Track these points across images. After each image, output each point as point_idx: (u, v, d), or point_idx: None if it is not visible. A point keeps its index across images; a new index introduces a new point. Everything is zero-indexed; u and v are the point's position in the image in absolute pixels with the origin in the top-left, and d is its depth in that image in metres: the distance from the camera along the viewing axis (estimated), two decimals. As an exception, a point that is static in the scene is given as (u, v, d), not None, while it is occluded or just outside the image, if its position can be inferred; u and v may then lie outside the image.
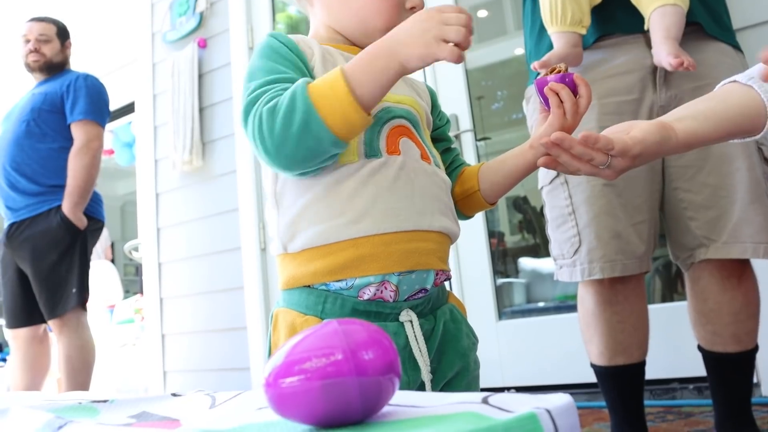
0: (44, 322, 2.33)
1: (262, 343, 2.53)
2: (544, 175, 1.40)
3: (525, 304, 2.86)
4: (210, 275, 2.74)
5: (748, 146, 1.24)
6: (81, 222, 2.29)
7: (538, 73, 0.92)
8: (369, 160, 0.75)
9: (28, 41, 2.48)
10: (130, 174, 4.65)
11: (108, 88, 2.54)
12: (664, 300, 2.60)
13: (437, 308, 0.80)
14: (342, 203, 0.73)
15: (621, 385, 1.35)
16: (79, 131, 2.36)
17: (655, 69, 1.30)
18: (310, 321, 0.74)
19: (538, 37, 1.42)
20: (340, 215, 0.73)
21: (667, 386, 1.92)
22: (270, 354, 0.80)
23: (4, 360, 4.46)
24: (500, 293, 2.52)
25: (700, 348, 1.34)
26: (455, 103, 2.31)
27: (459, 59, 0.66)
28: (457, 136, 2.28)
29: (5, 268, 2.38)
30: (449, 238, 0.81)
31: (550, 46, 1.33)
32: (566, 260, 1.34)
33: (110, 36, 4.10)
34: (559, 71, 0.80)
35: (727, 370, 1.29)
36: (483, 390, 0.55)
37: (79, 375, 2.25)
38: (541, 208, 1.46)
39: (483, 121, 2.84)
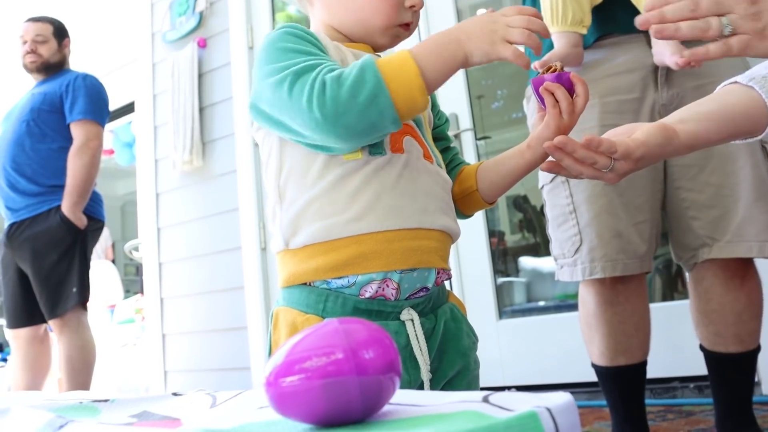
0: (45, 322, 2.33)
1: (263, 342, 2.53)
2: (544, 173, 1.40)
3: (525, 303, 2.86)
4: (210, 275, 2.74)
5: (752, 145, 1.24)
6: (80, 221, 2.29)
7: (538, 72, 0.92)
8: (373, 157, 0.75)
9: (25, 42, 2.48)
10: (130, 174, 4.65)
11: (108, 88, 2.54)
12: (664, 299, 2.60)
13: (438, 307, 0.80)
14: (346, 200, 0.73)
15: (622, 385, 1.35)
16: (78, 131, 2.36)
17: (656, 68, 1.30)
18: (312, 320, 0.74)
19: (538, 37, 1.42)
20: (343, 211, 0.73)
21: (668, 385, 1.92)
22: (270, 353, 0.80)
23: (5, 360, 4.46)
24: (500, 292, 2.52)
25: (702, 348, 1.34)
26: (455, 102, 2.31)
27: (522, 61, 0.69)
28: (457, 136, 2.28)
29: (6, 268, 2.38)
30: (450, 237, 0.81)
31: (551, 46, 1.33)
32: (567, 259, 1.34)
33: (110, 36, 4.10)
34: (555, 70, 0.79)
35: (729, 370, 1.29)
36: (483, 389, 0.55)
37: (80, 375, 2.25)
38: (542, 207, 1.45)
39: (483, 120, 2.84)
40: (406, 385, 0.74)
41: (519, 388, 2.12)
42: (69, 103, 2.37)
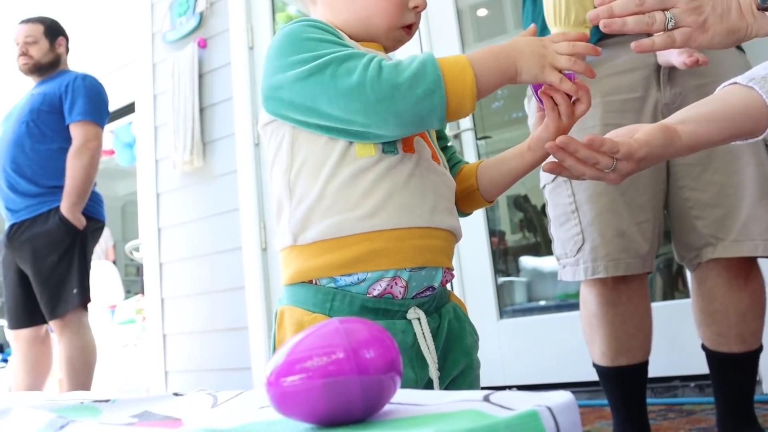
0: (46, 322, 2.33)
1: (264, 342, 2.53)
2: (546, 173, 1.40)
3: (526, 302, 2.86)
4: (211, 275, 2.74)
5: (755, 143, 1.24)
6: (79, 222, 2.29)
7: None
8: (386, 155, 0.75)
9: (17, 44, 2.46)
10: (130, 174, 4.65)
11: (108, 89, 2.53)
12: (665, 298, 2.60)
13: (441, 307, 0.81)
14: (358, 196, 0.74)
15: (623, 385, 1.34)
16: (77, 131, 2.35)
17: (658, 67, 1.29)
18: (319, 319, 0.73)
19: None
20: (355, 208, 0.73)
21: (669, 384, 1.92)
22: (274, 352, 0.80)
23: (6, 361, 4.47)
24: (501, 292, 2.51)
25: (704, 347, 1.33)
26: (455, 102, 2.31)
27: (569, 88, 0.73)
28: (457, 135, 2.28)
29: (6, 269, 2.38)
30: (455, 237, 0.82)
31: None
32: (569, 259, 1.33)
33: (110, 36, 4.10)
34: None
35: (731, 370, 1.28)
36: (484, 389, 0.55)
37: (81, 375, 2.25)
38: (542, 207, 1.45)
39: (483, 120, 2.83)
40: (413, 383, 0.74)
41: (520, 388, 2.13)
42: (68, 103, 2.37)
